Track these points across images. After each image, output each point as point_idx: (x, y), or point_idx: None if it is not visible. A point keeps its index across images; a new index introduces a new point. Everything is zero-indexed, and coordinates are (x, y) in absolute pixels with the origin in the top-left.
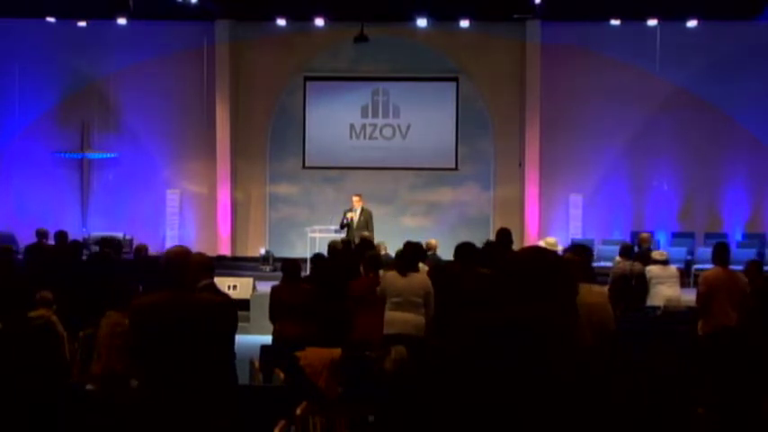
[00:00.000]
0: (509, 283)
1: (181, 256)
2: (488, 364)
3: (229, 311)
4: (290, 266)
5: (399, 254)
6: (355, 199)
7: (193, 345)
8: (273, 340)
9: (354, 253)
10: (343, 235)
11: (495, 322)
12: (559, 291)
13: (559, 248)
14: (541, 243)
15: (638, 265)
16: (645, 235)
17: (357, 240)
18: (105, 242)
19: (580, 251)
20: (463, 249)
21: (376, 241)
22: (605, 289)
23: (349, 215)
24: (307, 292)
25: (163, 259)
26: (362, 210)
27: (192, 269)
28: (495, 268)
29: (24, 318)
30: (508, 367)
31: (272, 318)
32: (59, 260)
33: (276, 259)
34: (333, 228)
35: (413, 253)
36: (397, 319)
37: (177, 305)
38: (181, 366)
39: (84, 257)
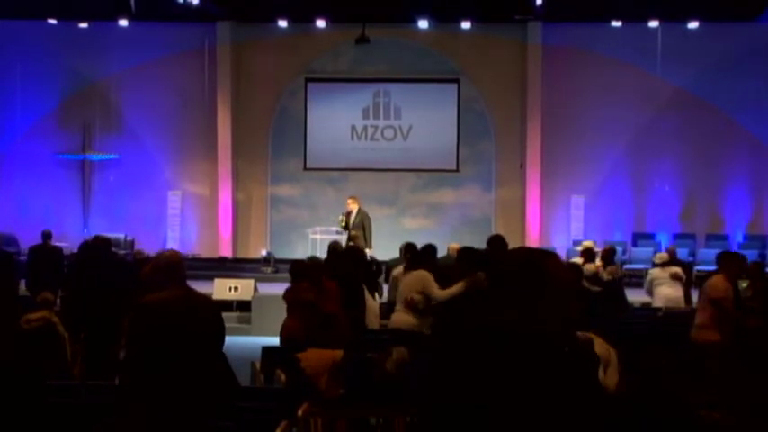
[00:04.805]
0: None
1: (176, 257)
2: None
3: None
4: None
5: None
6: (349, 201)
7: (203, 341)
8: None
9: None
10: (344, 237)
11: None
12: (545, 295)
13: (596, 249)
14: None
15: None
16: (671, 247)
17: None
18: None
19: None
20: (463, 253)
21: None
22: None
23: (342, 216)
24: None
25: (161, 262)
26: (359, 211)
27: (184, 270)
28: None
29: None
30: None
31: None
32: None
33: (277, 260)
34: (334, 229)
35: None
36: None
37: (188, 302)
38: (187, 362)
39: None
